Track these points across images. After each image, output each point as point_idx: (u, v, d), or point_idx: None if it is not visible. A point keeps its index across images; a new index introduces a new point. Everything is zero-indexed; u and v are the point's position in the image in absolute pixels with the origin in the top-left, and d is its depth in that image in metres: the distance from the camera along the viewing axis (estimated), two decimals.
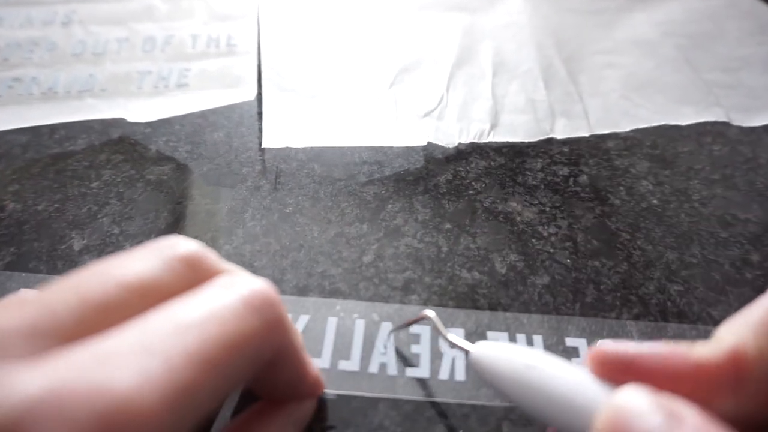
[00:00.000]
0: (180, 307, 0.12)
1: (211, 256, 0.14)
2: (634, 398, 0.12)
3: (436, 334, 0.22)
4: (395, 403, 0.20)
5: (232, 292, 0.13)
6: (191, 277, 0.13)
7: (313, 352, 0.22)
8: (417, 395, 0.21)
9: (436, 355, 0.22)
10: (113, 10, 0.42)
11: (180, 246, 0.14)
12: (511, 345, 0.16)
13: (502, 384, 0.15)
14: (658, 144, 0.33)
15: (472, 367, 0.17)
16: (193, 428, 0.11)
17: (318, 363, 0.21)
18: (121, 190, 0.29)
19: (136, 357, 0.10)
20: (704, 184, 0.30)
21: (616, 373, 0.14)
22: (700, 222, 0.28)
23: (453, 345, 0.18)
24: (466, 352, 0.17)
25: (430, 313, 0.20)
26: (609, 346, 0.14)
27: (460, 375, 0.21)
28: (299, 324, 0.23)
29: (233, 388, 0.13)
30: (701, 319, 0.23)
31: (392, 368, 0.21)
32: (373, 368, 0.21)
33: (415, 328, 0.23)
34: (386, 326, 0.23)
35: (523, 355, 0.15)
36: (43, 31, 0.40)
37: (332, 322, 0.23)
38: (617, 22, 0.42)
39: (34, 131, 0.33)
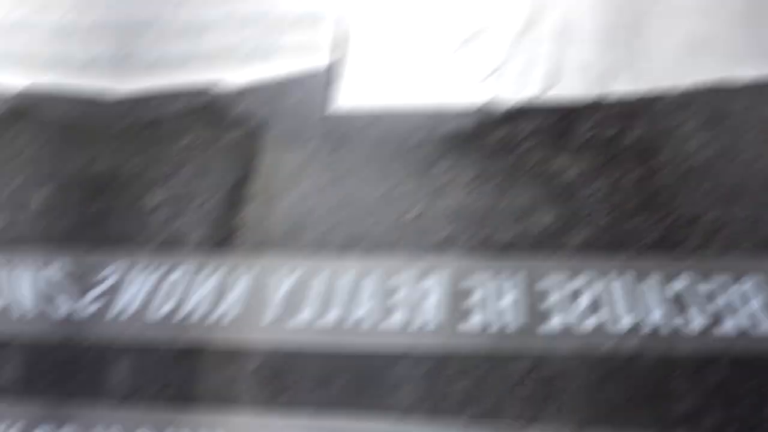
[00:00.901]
0: None
1: None
2: None
3: None
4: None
5: None
6: None
7: (296, 309, 0.26)
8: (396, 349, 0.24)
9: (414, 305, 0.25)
10: None
11: None
12: None
13: None
14: (711, 102, 0.32)
15: None
16: None
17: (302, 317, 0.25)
18: (197, 153, 0.33)
19: None
20: (754, 144, 0.30)
21: None
22: (749, 180, 0.28)
23: None
24: None
25: None
26: None
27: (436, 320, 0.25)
28: (284, 287, 0.27)
29: None
30: (747, 274, 0.24)
31: (368, 322, 0.25)
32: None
33: (392, 283, 0.26)
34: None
35: None
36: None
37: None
38: None
39: (132, 100, 0.37)
